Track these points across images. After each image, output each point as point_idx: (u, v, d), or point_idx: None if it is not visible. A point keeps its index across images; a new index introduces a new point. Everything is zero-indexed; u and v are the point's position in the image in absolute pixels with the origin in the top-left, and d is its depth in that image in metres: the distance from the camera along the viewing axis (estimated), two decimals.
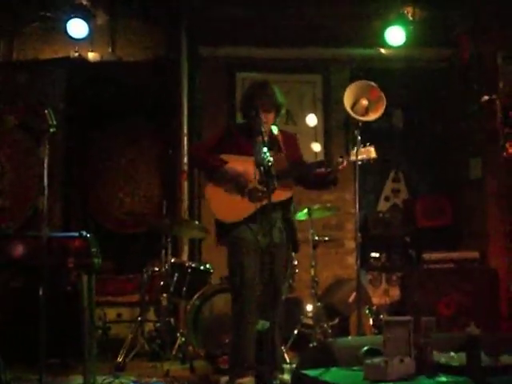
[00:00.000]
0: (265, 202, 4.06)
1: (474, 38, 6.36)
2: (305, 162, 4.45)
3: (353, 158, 4.21)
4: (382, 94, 4.52)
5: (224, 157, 4.19)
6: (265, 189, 4.07)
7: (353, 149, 4.26)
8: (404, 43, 6.47)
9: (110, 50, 6.66)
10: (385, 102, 4.51)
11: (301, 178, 4.27)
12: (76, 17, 6.21)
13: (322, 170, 4.19)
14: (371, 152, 4.26)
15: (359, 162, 4.30)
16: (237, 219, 4.14)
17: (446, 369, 2.84)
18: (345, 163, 4.14)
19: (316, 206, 5.33)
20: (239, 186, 4.13)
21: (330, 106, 6.87)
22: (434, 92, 6.98)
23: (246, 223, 4.13)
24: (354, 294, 5.39)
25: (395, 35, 6.43)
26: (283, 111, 4.31)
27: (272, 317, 3.81)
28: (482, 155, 6.26)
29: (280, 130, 4.32)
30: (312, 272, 5.32)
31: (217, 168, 4.14)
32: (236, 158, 4.17)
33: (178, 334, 5.26)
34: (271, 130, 4.20)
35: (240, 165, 4.13)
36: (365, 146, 4.26)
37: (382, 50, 6.75)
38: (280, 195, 3.97)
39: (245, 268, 4.09)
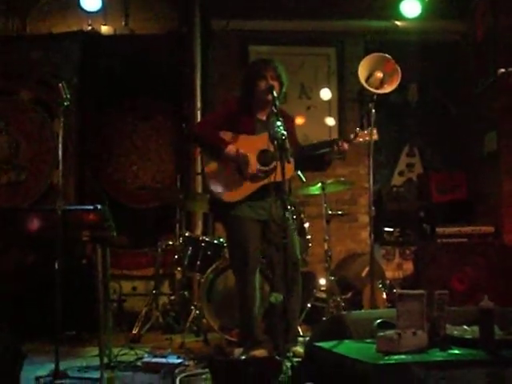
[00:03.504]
0: (265, 181, 4.08)
1: (490, 11, 6.26)
2: (300, 145, 4.44)
3: (354, 140, 4.18)
4: (397, 67, 4.47)
5: (225, 135, 4.18)
6: (266, 169, 4.09)
7: (358, 130, 4.23)
8: (419, 15, 6.39)
9: (123, 23, 6.64)
10: (400, 75, 4.46)
11: (299, 159, 4.21)
12: None
13: (327, 150, 4.18)
14: (373, 134, 4.24)
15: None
16: (237, 198, 4.15)
17: (459, 342, 2.84)
18: (346, 146, 4.13)
19: (330, 181, 5.32)
20: (240, 169, 4.13)
21: (344, 79, 6.82)
22: (450, 65, 6.90)
23: (246, 201, 4.14)
24: (368, 268, 5.40)
25: (410, 7, 6.36)
26: (284, 90, 4.29)
27: (289, 290, 3.86)
28: (497, 129, 6.20)
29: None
30: (325, 246, 5.33)
31: (219, 149, 4.14)
32: (239, 137, 4.16)
33: (192, 307, 5.31)
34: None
35: (242, 145, 4.13)
36: (361, 129, 4.23)
37: (397, 23, 6.68)
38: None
39: (247, 245, 4.13)
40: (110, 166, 6.70)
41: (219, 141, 4.15)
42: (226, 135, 4.18)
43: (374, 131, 4.24)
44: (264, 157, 4.13)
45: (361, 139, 4.21)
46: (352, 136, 4.18)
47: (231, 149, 4.12)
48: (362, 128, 4.24)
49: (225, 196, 4.16)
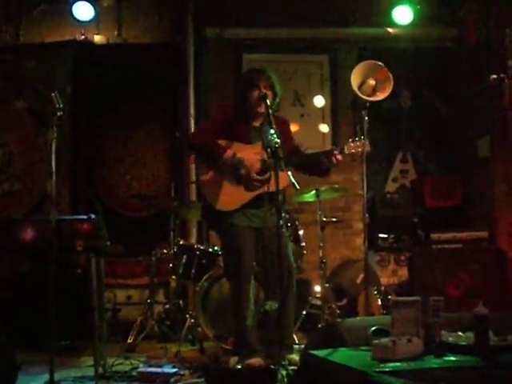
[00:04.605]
0: (261, 191, 4.08)
1: (482, 17, 6.30)
2: (298, 148, 4.45)
3: (347, 151, 4.20)
4: (390, 74, 4.50)
5: (221, 143, 4.19)
6: (263, 177, 4.09)
7: (350, 140, 4.24)
8: (411, 22, 6.42)
9: (116, 32, 6.64)
10: (392, 82, 4.49)
11: (298, 163, 4.26)
12: None
13: (323, 159, 4.19)
14: (366, 145, 4.25)
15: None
16: (233, 207, 4.15)
17: (454, 348, 2.84)
18: (339, 157, 4.14)
19: (324, 188, 5.32)
20: (239, 174, 4.12)
21: (337, 87, 6.82)
22: (442, 71, 6.92)
23: (241, 210, 4.15)
24: (362, 274, 5.40)
25: (403, 14, 6.39)
26: (277, 100, 4.30)
27: (284, 298, 3.86)
28: (491, 134, 6.23)
29: (273, 116, 4.29)
30: (320, 253, 5.32)
31: (217, 155, 4.14)
32: (233, 144, 4.17)
33: (188, 316, 5.30)
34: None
35: (239, 153, 4.14)
36: (353, 140, 4.25)
37: (390, 30, 6.70)
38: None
39: (242, 254, 4.13)
40: (104, 174, 6.69)
41: (217, 147, 4.16)
42: (221, 143, 4.19)
43: (367, 142, 4.26)
44: (261, 166, 4.14)
45: (353, 150, 4.22)
46: (345, 148, 4.19)
47: (229, 153, 4.13)
48: (355, 139, 4.25)
49: (221, 204, 4.17)
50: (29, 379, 3.95)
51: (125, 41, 6.64)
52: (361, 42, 6.83)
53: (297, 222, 5.22)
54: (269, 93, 4.17)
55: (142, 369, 4.16)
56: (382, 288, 5.75)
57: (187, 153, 6.35)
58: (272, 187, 3.84)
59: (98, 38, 6.59)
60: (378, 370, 2.56)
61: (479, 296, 5.21)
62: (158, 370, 4.08)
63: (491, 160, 6.22)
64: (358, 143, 4.22)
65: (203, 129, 4.75)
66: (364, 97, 4.49)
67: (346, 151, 4.19)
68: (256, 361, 4.04)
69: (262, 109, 4.12)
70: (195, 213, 5.67)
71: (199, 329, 5.17)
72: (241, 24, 6.65)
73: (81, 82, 6.54)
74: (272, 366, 3.57)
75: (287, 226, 4.19)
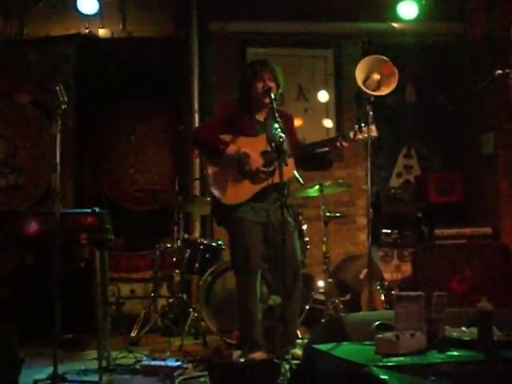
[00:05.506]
0: (266, 183, 4.08)
1: (487, 12, 6.28)
2: (301, 143, 4.45)
3: (353, 137, 4.18)
4: (395, 69, 4.48)
5: (226, 138, 4.19)
6: (268, 170, 4.09)
7: (357, 127, 4.21)
8: (416, 17, 6.40)
9: (120, 26, 6.64)
10: (397, 77, 4.47)
11: (301, 158, 4.26)
12: None
13: (326, 149, 4.18)
14: (372, 131, 4.23)
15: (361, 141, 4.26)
16: (239, 201, 4.15)
17: (458, 343, 2.84)
18: (345, 144, 4.12)
19: (328, 183, 5.32)
20: (244, 166, 4.12)
21: (341, 81, 6.82)
22: (447, 67, 6.91)
23: (248, 203, 4.15)
24: (366, 270, 5.40)
25: (408, 9, 6.37)
26: (280, 90, 4.29)
27: (289, 294, 3.87)
28: (495, 130, 6.22)
29: (277, 110, 4.28)
30: (324, 248, 5.32)
31: (220, 151, 4.14)
32: (238, 139, 4.17)
33: (191, 310, 5.31)
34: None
35: (242, 146, 4.14)
36: (359, 126, 4.22)
37: (395, 24, 6.69)
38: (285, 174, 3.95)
39: (249, 247, 4.13)
40: (108, 168, 6.70)
41: (220, 142, 4.16)
42: (225, 138, 4.19)
43: (373, 128, 4.24)
44: (266, 158, 4.14)
45: (360, 136, 4.19)
46: (351, 134, 4.17)
47: (232, 148, 4.13)
48: (361, 125, 4.22)
49: (227, 199, 4.16)
50: (33, 372, 3.95)
51: (129, 34, 6.63)
52: (365, 36, 6.82)
53: (300, 217, 5.22)
54: (272, 84, 4.16)
55: (145, 362, 4.17)
56: (386, 283, 5.75)
57: (191, 147, 6.36)
58: (277, 180, 3.83)
59: (102, 32, 6.59)
60: (381, 364, 2.56)
61: (483, 292, 5.19)
62: (162, 363, 4.09)
63: (495, 156, 6.21)
64: (364, 129, 4.20)
65: (206, 125, 4.75)
66: (369, 91, 4.47)
67: (353, 137, 4.16)
68: (259, 355, 4.04)
69: (266, 100, 4.12)
70: (199, 207, 5.68)
71: (202, 323, 5.17)
72: (245, 18, 6.64)
73: (85, 76, 6.54)
74: (275, 360, 3.57)
75: (293, 221, 4.19)
